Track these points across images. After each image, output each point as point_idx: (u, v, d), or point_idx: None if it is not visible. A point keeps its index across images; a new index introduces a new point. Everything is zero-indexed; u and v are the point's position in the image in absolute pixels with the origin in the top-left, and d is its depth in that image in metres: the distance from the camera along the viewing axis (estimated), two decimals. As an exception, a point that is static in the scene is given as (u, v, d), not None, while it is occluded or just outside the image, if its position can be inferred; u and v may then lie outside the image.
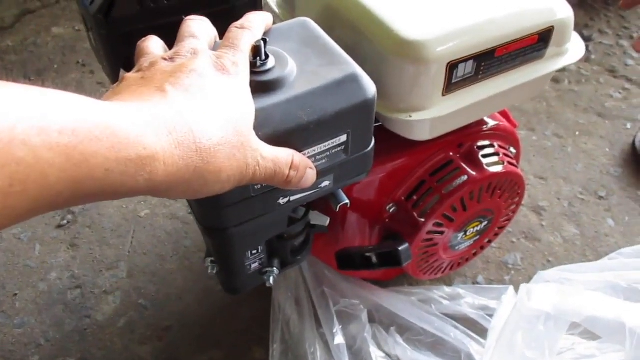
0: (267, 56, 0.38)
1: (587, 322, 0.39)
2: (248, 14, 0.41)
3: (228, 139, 0.30)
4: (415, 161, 0.55)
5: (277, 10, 0.60)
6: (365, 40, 0.48)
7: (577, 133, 0.92)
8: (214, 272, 0.48)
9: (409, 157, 0.55)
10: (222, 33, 0.40)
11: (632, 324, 0.38)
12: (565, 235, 0.77)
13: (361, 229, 0.58)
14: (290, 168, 0.35)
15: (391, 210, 0.57)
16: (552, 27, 0.50)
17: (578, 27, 1.15)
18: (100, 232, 0.77)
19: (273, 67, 0.38)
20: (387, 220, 0.57)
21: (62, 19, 1.19)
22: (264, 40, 0.38)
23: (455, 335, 0.57)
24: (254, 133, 0.33)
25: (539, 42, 0.50)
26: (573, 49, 0.55)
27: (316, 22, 0.53)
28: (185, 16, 0.51)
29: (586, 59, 1.08)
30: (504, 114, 0.64)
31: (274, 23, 0.44)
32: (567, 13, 0.52)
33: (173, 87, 0.30)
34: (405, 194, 0.56)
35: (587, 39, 1.12)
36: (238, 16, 0.44)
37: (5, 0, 1.22)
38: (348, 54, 0.49)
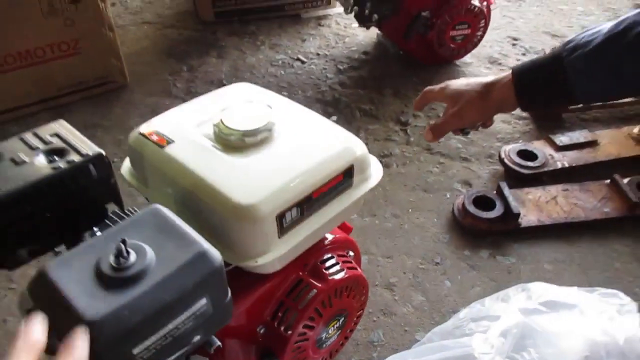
0: (128, 253, 0.47)
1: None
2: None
3: None
4: (272, 287, 0.66)
5: (131, 181, 0.69)
6: (209, 206, 0.58)
7: (410, 210, 1.10)
8: None
9: (267, 285, 0.66)
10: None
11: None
12: (414, 304, 0.92)
13: (240, 351, 0.67)
14: None
15: (262, 331, 0.67)
16: (352, 165, 0.65)
17: (396, 114, 1.36)
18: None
19: (135, 262, 0.47)
20: (260, 339, 0.67)
21: None
22: (124, 241, 0.47)
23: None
24: None
25: (345, 177, 0.65)
26: (375, 170, 0.71)
27: (168, 193, 0.64)
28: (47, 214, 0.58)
29: (407, 141, 1.28)
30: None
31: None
32: (361, 149, 0.68)
33: None
34: (270, 315, 0.66)
35: (404, 124, 1.34)
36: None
37: None
38: (198, 217, 0.60)
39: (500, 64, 1.56)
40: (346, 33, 1.70)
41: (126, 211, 0.66)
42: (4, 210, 0.54)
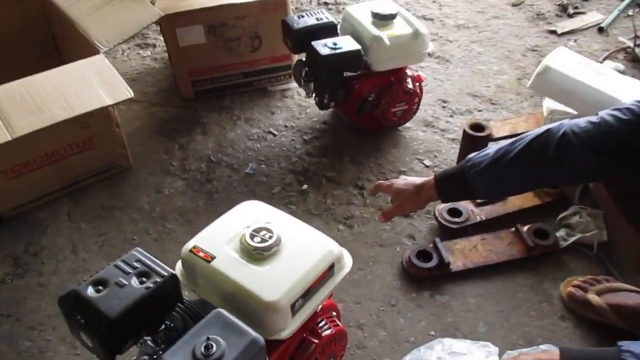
0: (212, 345, 0.81)
1: None
2: None
3: None
4: (287, 346, 1.00)
5: (185, 282, 1.02)
6: (246, 302, 0.92)
7: (371, 263, 1.46)
8: None
9: (284, 346, 1.00)
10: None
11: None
12: (379, 339, 1.27)
13: (267, 390, 1.01)
14: None
15: (281, 375, 1.01)
16: (333, 262, 1.00)
17: (354, 179, 1.72)
18: None
19: (215, 350, 0.80)
20: (281, 380, 1.02)
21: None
22: (208, 338, 0.80)
23: None
24: None
25: (329, 271, 1.00)
26: (347, 259, 1.06)
27: (214, 291, 0.97)
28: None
29: (364, 204, 1.65)
30: (324, 292, 1.12)
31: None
32: (337, 249, 1.03)
33: None
34: (286, 365, 1.01)
35: (361, 188, 1.70)
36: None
37: None
38: (237, 307, 0.93)
39: (433, 126, 1.94)
40: (307, 103, 2.05)
41: (184, 301, 0.99)
42: (124, 320, 0.86)
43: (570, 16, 2.63)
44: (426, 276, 1.40)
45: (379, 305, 1.35)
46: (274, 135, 1.92)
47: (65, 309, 0.92)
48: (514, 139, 1.09)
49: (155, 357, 0.91)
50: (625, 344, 0.84)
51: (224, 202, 1.65)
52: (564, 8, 2.67)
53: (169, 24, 1.88)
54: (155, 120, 2.00)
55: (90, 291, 0.90)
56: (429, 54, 2.34)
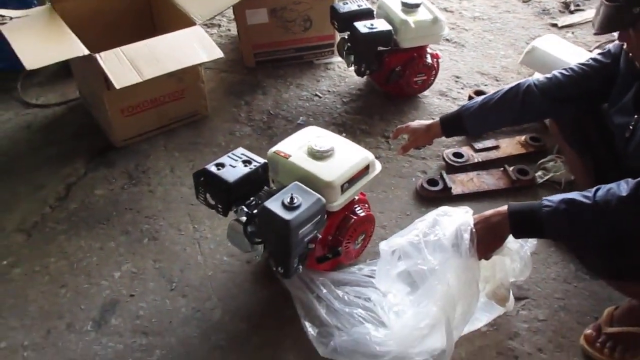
0: (294, 198, 1.31)
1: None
2: None
3: None
4: (336, 217, 1.50)
5: (270, 175, 1.52)
6: (313, 182, 1.42)
7: (392, 188, 1.95)
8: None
9: (334, 217, 1.50)
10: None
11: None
12: (394, 232, 1.77)
13: (321, 247, 1.52)
14: None
15: (330, 238, 1.51)
16: (369, 164, 1.50)
17: (381, 131, 2.21)
18: (196, 286, 1.60)
19: (296, 201, 1.30)
20: (329, 242, 1.52)
21: (98, 183, 1.98)
22: (292, 194, 1.31)
23: (363, 281, 1.52)
24: None
25: (366, 169, 1.49)
26: (377, 166, 1.55)
27: (290, 178, 1.48)
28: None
29: (389, 148, 2.13)
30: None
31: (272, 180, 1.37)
32: (372, 156, 1.52)
33: None
34: (334, 231, 1.51)
35: (387, 137, 2.18)
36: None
37: (51, 178, 1.97)
38: (311, 183, 1.43)
39: (446, 95, 2.42)
40: (346, 74, 2.54)
41: (271, 186, 1.50)
42: (236, 187, 1.37)
43: (572, 12, 3.07)
44: (433, 197, 1.89)
45: (397, 214, 1.85)
46: (319, 97, 2.42)
47: (197, 179, 1.44)
48: (496, 90, 1.57)
49: (253, 212, 1.41)
50: (546, 197, 1.26)
51: (282, 142, 2.16)
52: (566, 5, 3.11)
53: (241, 6, 2.39)
54: (225, 83, 2.52)
55: (214, 168, 1.41)
56: (447, 40, 2.82)
